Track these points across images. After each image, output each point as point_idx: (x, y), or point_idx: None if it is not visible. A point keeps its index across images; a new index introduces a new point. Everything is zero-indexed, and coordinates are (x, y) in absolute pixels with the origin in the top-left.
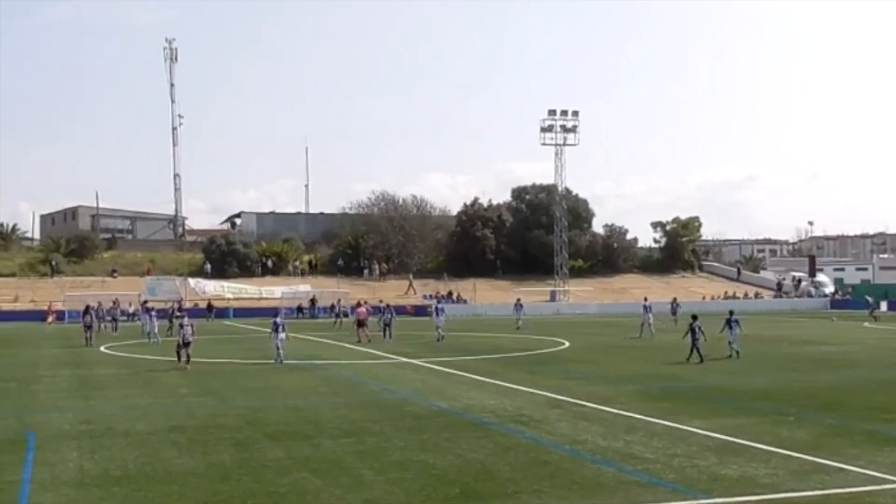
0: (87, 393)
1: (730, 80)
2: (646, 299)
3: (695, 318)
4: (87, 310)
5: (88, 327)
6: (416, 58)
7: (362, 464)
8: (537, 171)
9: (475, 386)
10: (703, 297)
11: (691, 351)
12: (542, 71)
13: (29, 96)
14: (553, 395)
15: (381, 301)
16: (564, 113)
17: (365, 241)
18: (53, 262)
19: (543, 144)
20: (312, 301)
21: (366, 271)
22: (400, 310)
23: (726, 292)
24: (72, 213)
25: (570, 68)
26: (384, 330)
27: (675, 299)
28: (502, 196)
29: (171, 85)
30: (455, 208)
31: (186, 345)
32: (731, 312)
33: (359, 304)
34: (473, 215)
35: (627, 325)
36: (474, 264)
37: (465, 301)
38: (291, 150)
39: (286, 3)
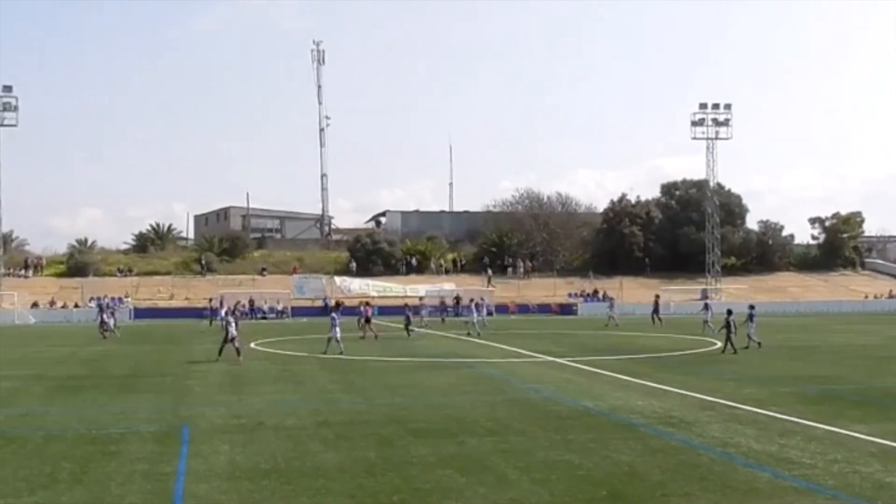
0: (238, 388)
1: (887, 70)
2: (706, 297)
3: (730, 312)
4: (100, 308)
5: (103, 323)
6: (562, 54)
7: (507, 463)
8: (688, 166)
9: (622, 386)
10: (866, 296)
11: (725, 344)
12: (692, 64)
13: (183, 101)
14: (704, 397)
15: (457, 299)
16: (716, 106)
17: (509, 240)
18: (204, 261)
19: (694, 139)
20: (457, 299)
21: (510, 269)
22: (545, 308)
23: (891, 291)
24: (224, 214)
25: (722, 60)
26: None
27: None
28: (651, 192)
29: (319, 87)
30: (602, 205)
31: (231, 340)
32: (751, 307)
33: (367, 304)
34: (621, 212)
35: (781, 326)
36: (621, 262)
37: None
38: (436, 148)
39: (428, 3)
